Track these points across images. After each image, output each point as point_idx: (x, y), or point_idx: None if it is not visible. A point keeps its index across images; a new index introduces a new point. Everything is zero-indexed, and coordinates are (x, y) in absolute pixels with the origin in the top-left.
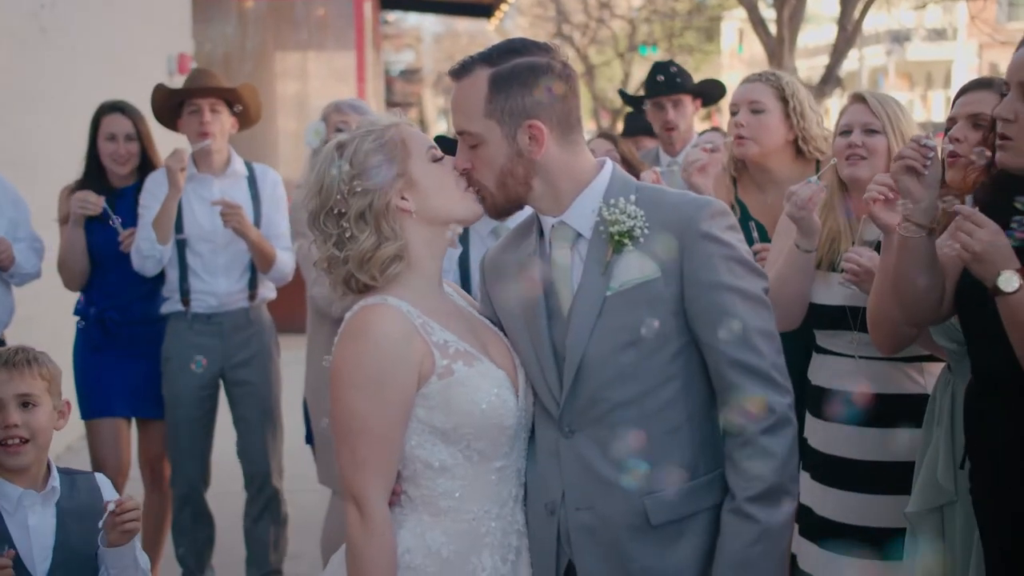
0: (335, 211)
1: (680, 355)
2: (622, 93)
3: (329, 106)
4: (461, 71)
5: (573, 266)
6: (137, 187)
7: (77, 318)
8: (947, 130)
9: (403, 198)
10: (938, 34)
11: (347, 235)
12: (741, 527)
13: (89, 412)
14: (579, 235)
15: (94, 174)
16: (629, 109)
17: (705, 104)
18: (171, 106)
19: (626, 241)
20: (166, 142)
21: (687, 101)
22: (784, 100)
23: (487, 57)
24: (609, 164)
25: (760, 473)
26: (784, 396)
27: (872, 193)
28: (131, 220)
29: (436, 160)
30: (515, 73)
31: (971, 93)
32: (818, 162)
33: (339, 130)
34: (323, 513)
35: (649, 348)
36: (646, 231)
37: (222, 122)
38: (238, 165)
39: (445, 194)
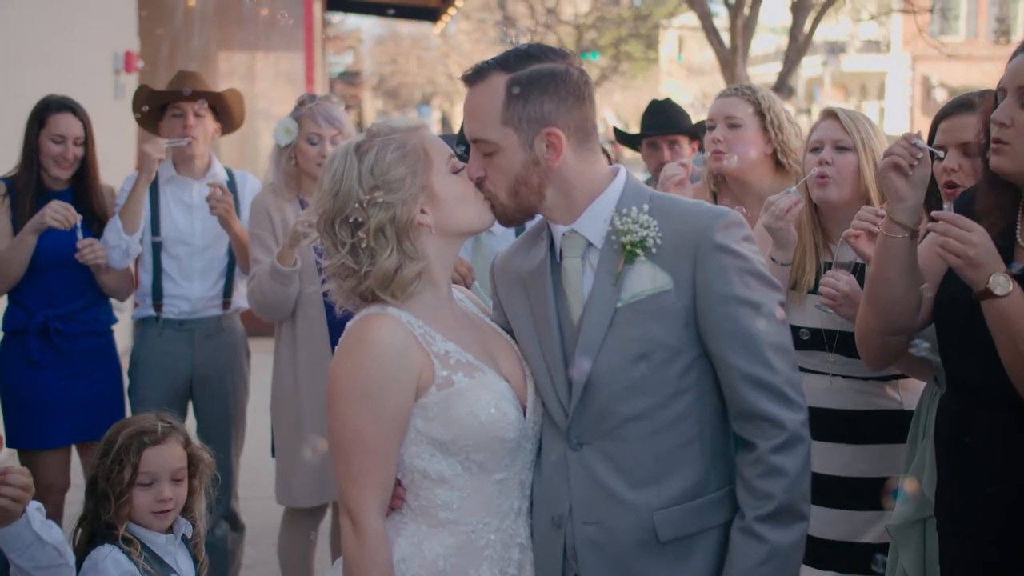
0: (351, 219)
1: (692, 368)
2: (617, 131)
3: (302, 107)
4: (476, 76)
5: (584, 276)
6: (71, 192)
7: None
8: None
9: (423, 211)
10: (873, 46)
11: (363, 246)
12: (749, 547)
13: (24, 441)
14: (590, 244)
15: (31, 172)
16: None
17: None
18: (153, 108)
19: (638, 251)
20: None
21: (684, 142)
22: (761, 114)
23: (503, 62)
24: (623, 172)
25: (770, 492)
26: (797, 413)
27: (852, 230)
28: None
29: (456, 171)
30: (533, 79)
31: (954, 119)
32: (799, 175)
33: (312, 143)
34: (279, 520)
35: (660, 361)
36: (659, 241)
37: (205, 126)
38: (218, 170)
39: (464, 207)
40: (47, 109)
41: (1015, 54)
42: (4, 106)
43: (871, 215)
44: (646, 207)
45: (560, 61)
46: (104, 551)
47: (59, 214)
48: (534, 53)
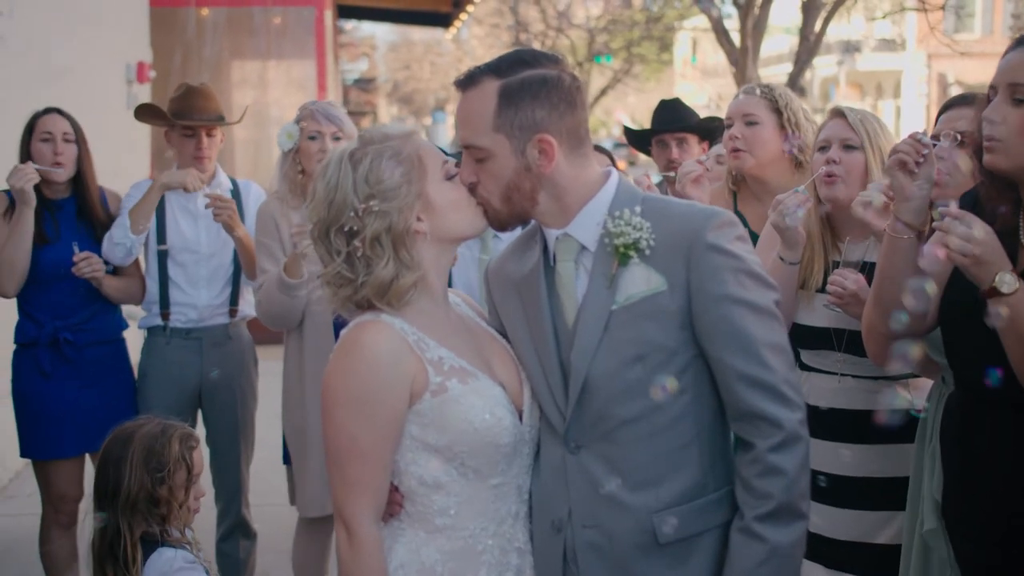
0: (346, 228)
1: (688, 369)
2: (626, 130)
3: (304, 109)
4: (468, 82)
5: (578, 279)
6: (73, 201)
7: (17, 345)
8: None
9: (419, 219)
10: (888, 44)
11: (359, 255)
12: (749, 547)
13: (37, 451)
14: (583, 248)
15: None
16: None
17: (712, 142)
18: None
19: (632, 254)
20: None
21: (692, 140)
22: (778, 111)
23: (495, 68)
24: (615, 175)
25: (769, 491)
26: (794, 412)
27: (860, 198)
28: (71, 236)
29: (449, 177)
30: (525, 86)
31: (953, 110)
32: None
33: (312, 138)
34: (291, 527)
35: (657, 362)
36: (652, 243)
37: (216, 143)
38: (222, 179)
39: (458, 213)
40: (36, 116)
41: (1008, 51)
42: (14, 117)
43: (881, 188)
44: (638, 209)
45: (552, 67)
46: (167, 554)
47: (23, 174)
48: (526, 59)
